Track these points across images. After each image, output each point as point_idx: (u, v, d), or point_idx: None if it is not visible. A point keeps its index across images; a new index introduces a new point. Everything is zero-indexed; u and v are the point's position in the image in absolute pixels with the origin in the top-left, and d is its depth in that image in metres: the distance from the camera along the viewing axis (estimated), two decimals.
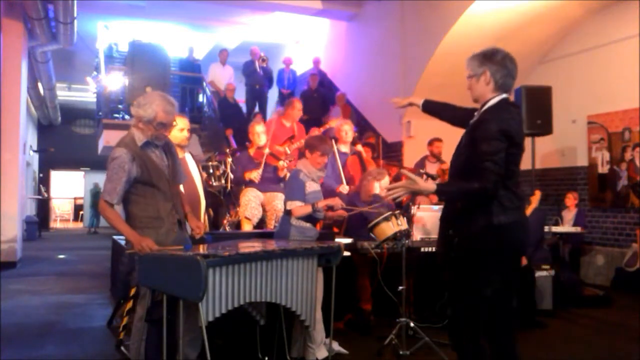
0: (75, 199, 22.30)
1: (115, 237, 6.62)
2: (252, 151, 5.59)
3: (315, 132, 6.28)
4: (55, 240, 14.91)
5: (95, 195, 17.98)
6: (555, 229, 6.86)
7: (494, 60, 2.62)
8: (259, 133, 5.55)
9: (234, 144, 8.53)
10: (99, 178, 20.56)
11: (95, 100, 13.13)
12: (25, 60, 9.41)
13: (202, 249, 2.95)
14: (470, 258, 2.53)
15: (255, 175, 5.31)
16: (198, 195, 4.10)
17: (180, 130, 3.86)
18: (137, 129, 3.04)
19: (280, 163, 5.43)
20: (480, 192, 2.46)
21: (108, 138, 10.70)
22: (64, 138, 18.45)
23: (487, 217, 2.49)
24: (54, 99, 14.81)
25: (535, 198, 5.09)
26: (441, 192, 2.66)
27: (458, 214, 2.65)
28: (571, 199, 7.48)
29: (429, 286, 5.09)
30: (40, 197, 17.91)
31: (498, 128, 2.46)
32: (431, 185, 2.62)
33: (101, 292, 6.63)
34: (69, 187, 21.78)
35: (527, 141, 6.84)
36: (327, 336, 3.77)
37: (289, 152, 5.75)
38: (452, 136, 8.13)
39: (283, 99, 10.50)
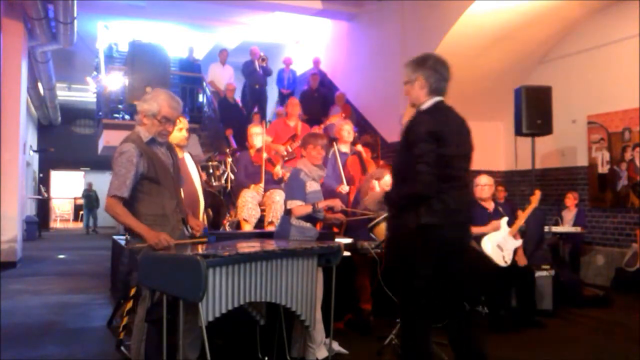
0: (75, 199, 22.29)
1: (115, 237, 6.63)
2: (252, 152, 5.60)
3: (315, 130, 6.29)
4: (55, 240, 14.92)
5: (88, 197, 17.93)
6: (555, 229, 6.87)
7: (426, 66, 2.73)
8: (255, 135, 5.56)
9: (234, 144, 8.53)
10: (99, 178, 20.55)
11: (95, 100, 13.13)
12: (25, 60, 9.41)
13: (201, 249, 2.95)
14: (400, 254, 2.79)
15: (258, 189, 5.33)
16: (197, 195, 4.10)
17: (179, 130, 3.83)
18: (142, 126, 3.04)
19: (276, 169, 5.46)
20: (415, 195, 2.63)
21: (108, 138, 10.70)
22: (64, 138, 18.45)
23: (415, 218, 2.65)
24: (54, 99, 14.81)
25: (535, 198, 5.09)
26: (386, 199, 2.86)
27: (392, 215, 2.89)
28: (571, 199, 7.47)
29: None
30: (40, 197, 17.91)
31: (426, 129, 2.58)
32: (379, 194, 2.95)
33: (101, 292, 6.63)
34: (69, 187, 21.78)
35: (527, 141, 6.86)
36: (327, 336, 3.77)
37: (290, 150, 5.76)
38: None
39: (283, 99, 10.51)
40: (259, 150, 5.53)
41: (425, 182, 2.56)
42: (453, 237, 2.74)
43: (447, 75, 2.75)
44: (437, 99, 2.70)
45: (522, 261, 5.04)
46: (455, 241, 2.76)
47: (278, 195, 5.22)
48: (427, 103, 2.73)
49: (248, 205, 5.25)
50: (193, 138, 9.31)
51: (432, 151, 2.56)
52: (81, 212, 20.98)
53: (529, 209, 5.09)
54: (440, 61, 2.73)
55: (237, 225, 5.41)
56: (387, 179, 5.03)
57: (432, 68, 2.72)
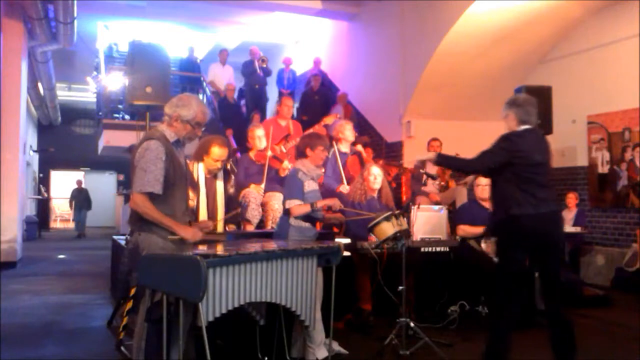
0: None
1: (115, 237, 6.63)
2: (252, 154, 5.59)
3: (311, 130, 6.27)
4: (55, 240, 14.91)
5: (77, 197, 16.41)
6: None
7: (516, 104, 3.46)
8: (260, 137, 5.55)
9: (234, 144, 8.52)
10: (99, 178, 20.57)
11: (95, 100, 13.14)
12: (25, 60, 9.41)
13: (201, 249, 2.95)
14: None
15: (259, 189, 5.34)
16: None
17: (214, 160, 4.21)
18: (170, 127, 3.08)
19: (284, 164, 5.43)
20: (470, 167, 3.58)
21: (108, 138, 10.70)
22: (64, 138, 18.44)
23: (505, 210, 3.29)
24: (54, 99, 14.81)
25: None
26: (440, 158, 3.61)
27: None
28: (571, 199, 7.47)
29: (429, 286, 5.09)
30: (40, 197, 17.89)
31: (504, 138, 3.42)
32: (432, 154, 3.66)
33: (101, 292, 6.63)
34: (69, 187, 21.73)
35: None
36: (327, 336, 3.77)
37: (284, 150, 5.75)
38: (451, 136, 8.19)
39: None
40: (261, 151, 5.52)
41: (483, 162, 3.37)
42: (539, 228, 3.25)
43: (533, 109, 3.45)
44: (526, 127, 3.40)
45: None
46: (541, 231, 3.27)
47: (277, 203, 5.20)
48: (518, 130, 3.43)
49: (251, 205, 5.24)
50: None
51: (503, 149, 3.33)
52: None
53: None
54: (527, 100, 3.47)
55: (238, 225, 5.40)
56: (374, 170, 5.03)
57: (520, 106, 3.43)
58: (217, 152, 4.17)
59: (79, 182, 17.07)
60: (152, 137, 3.00)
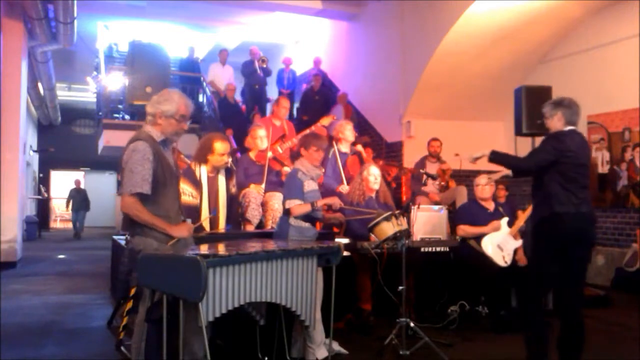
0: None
1: (115, 237, 6.63)
2: (252, 154, 5.58)
3: (308, 131, 6.27)
4: (55, 240, 14.90)
5: (75, 197, 15.96)
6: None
7: (563, 105, 3.55)
8: (262, 137, 5.55)
9: (234, 144, 8.52)
10: (99, 178, 20.58)
11: (95, 100, 13.13)
12: (25, 60, 9.41)
13: (201, 249, 2.95)
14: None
15: (259, 189, 5.34)
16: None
17: (220, 155, 4.20)
18: (156, 126, 3.05)
19: (284, 169, 5.44)
20: (523, 167, 3.61)
21: (108, 138, 10.70)
22: (64, 138, 18.43)
23: (548, 208, 3.45)
24: (54, 99, 14.81)
25: None
26: (494, 155, 3.66)
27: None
28: None
29: (429, 286, 5.09)
30: (40, 197, 17.88)
31: (553, 137, 3.50)
32: (485, 151, 3.71)
33: (101, 292, 6.63)
34: (69, 187, 21.71)
35: (527, 141, 6.85)
36: (327, 336, 3.77)
37: (281, 151, 5.75)
38: (451, 136, 8.18)
39: None
40: (262, 151, 5.52)
41: (536, 160, 3.49)
42: (578, 226, 3.44)
43: (578, 111, 3.58)
44: (571, 127, 3.52)
45: (523, 261, 5.04)
46: (580, 230, 3.45)
47: (277, 203, 5.20)
48: (565, 130, 3.52)
49: (252, 205, 5.24)
50: (193, 138, 9.34)
51: (554, 148, 3.42)
52: None
53: (529, 209, 5.09)
54: (572, 102, 3.56)
55: (238, 225, 5.40)
56: (374, 171, 5.03)
57: (568, 107, 3.53)
58: (221, 146, 4.19)
59: (77, 182, 16.70)
60: (138, 138, 2.97)
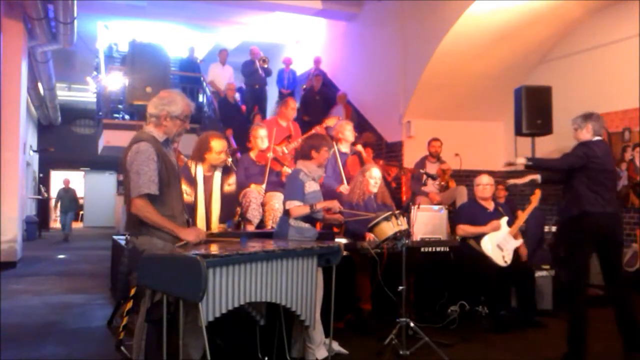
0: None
1: (115, 237, 6.63)
2: (253, 154, 5.58)
3: (312, 132, 6.27)
4: (55, 240, 14.91)
5: (63, 197, 15.12)
6: (555, 229, 6.85)
7: (592, 119, 4.03)
8: (262, 137, 5.54)
9: (234, 144, 8.52)
10: (99, 178, 20.58)
11: (95, 100, 13.13)
12: (25, 60, 9.42)
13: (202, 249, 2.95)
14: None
15: (260, 189, 5.34)
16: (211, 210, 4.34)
17: (217, 153, 4.22)
18: (158, 127, 3.05)
19: (284, 169, 5.44)
20: (557, 166, 4.11)
21: (108, 138, 10.70)
22: (64, 138, 18.44)
23: (578, 207, 3.91)
24: (54, 99, 14.81)
25: (535, 198, 5.10)
26: (531, 160, 4.28)
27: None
28: None
29: (429, 286, 5.09)
30: (40, 197, 17.88)
31: (583, 145, 4.01)
32: (523, 157, 4.25)
33: (101, 292, 6.64)
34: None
35: (527, 141, 6.87)
36: (327, 336, 3.77)
37: (286, 151, 5.75)
38: (451, 136, 8.16)
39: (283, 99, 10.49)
40: (263, 151, 5.52)
41: (568, 162, 3.96)
42: (605, 224, 3.89)
43: (603, 123, 4.18)
44: (598, 137, 4.03)
45: (524, 252, 5.10)
46: (607, 227, 3.90)
47: (277, 203, 5.20)
48: (593, 140, 4.01)
49: (252, 205, 5.24)
50: (192, 139, 9.31)
51: (584, 154, 3.90)
52: (81, 212, 20.90)
53: (529, 209, 5.10)
54: (599, 116, 4.07)
55: (238, 225, 5.40)
56: (375, 173, 5.03)
57: (596, 120, 4.03)
58: (218, 144, 4.21)
59: (66, 182, 15.57)
60: (141, 139, 2.97)
